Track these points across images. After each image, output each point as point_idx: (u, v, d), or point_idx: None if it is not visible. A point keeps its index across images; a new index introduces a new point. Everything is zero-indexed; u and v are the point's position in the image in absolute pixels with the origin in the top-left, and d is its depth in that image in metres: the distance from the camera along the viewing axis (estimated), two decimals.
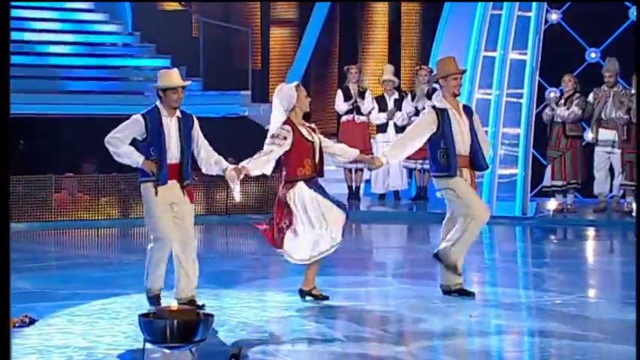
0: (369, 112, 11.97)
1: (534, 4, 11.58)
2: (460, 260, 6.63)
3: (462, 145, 6.59)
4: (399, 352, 5.32)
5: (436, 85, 11.53)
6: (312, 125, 6.64)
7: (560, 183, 11.06)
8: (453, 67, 6.67)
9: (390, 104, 11.92)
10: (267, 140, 6.41)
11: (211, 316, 4.74)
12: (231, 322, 6.02)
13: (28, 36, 13.55)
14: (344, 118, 12.06)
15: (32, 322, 5.81)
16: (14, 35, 12.60)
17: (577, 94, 11.00)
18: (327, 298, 6.55)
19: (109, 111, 12.38)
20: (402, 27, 14.98)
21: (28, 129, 11.72)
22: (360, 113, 11.91)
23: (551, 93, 11.22)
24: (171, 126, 6.31)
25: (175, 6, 14.69)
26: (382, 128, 12.06)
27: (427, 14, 14.47)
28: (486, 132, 8.65)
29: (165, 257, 6.27)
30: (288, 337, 5.84)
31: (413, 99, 11.85)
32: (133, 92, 13.11)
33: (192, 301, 6.24)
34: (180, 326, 4.56)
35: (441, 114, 6.58)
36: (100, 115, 12.22)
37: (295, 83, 6.65)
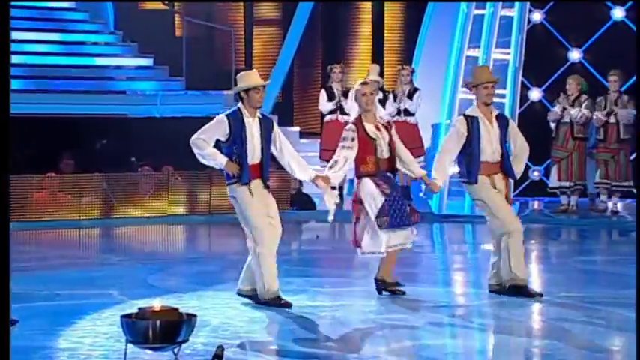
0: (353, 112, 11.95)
1: (517, 3, 11.61)
2: (524, 274, 6.67)
3: (491, 153, 6.67)
4: (382, 352, 5.31)
5: (418, 86, 11.59)
6: (385, 122, 6.75)
7: (567, 184, 11.10)
8: (484, 77, 6.78)
9: None
10: (340, 144, 6.60)
11: (194, 316, 4.71)
12: (214, 322, 5.99)
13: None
14: (327, 118, 12.03)
15: (13, 323, 5.75)
16: None
17: (584, 96, 11.02)
18: (404, 293, 6.64)
19: (90, 111, 12.31)
20: (386, 27, 14.98)
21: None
22: (343, 113, 11.89)
23: (562, 94, 11.19)
24: (253, 126, 6.40)
25: (158, 5, 14.62)
26: None
27: (410, 14, 14.48)
28: None
29: (273, 254, 6.31)
30: (271, 337, 5.81)
31: (395, 99, 11.85)
32: (115, 92, 13.04)
33: (277, 297, 6.33)
34: (162, 327, 4.53)
35: (471, 122, 6.70)
36: (82, 114, 12.16)
37: (360, 81, 6.86)
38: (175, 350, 4.63)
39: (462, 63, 11.60)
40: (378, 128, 6.62)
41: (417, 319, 6.14)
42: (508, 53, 11.49)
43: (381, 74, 12.26)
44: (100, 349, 5.32)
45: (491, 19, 11.56)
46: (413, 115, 11.51)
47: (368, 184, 6.55)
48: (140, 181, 11.09)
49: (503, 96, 11.36)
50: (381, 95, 12.03)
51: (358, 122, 6.64)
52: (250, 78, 6.50)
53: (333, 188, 6.63)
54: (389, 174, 6.63)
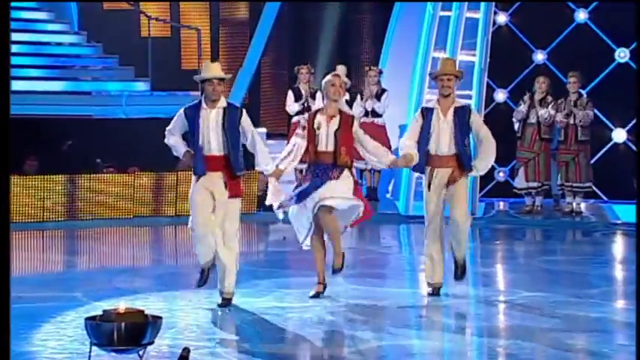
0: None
1: (482, 5, 11.68)
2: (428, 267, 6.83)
3: (439, 145, 6.67)
4: (348, 353, 5.32)
5: (385, 87, 11.63)
6: (345, 113, 6.67)
7: (535, 184, 11.18)
8: (442, 68, 6.79)
9: None
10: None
11: (160, 318, 4.68)
12: (180, 324, 5.96)
13: None
14: (294, 119, 12.02)
15: None
16: None
17: (550, 97, 11.10)
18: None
19: (55, 111, 12.19)
20: (352, 27, 15.00)
21: None
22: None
23: (528, 92, 11.26)
24: (210, 118, 6.37)
25: (122, 5, 14.51)
26: None
27: (377, 14, 14.52)
28: None
29: (202, 241, 6.37)
30: (238, 339, 5.80)
31: (362, 100, 11.87)
32: (80, 93, 12.92)
33: (227, 299, 6.40)
34: (127, 329, 4.49)
35: (426, 113, 6.75)
36: (47, 115, 12.03)
37: (332, 72, 6.83)
38: (141, 353, 4.60)
39: (428, 64, 11.65)
40: (330, 118, 6.60)
41: (384, 320, 6.16)
42: (474, 55, 11.56)
43: (348, 76, 12.28)
44: (64, 352, 5.26)
45: (457, 20, 11.63)
46: (380, 116, 11.54)
47: (299, 182, 6.65)
48: (105, 182, 11.00)
49: (469, 97, 11.43)
50: (347, 96, 12.08)
51: (313, 112, 6.74)
52: (206, 70, 6.49)
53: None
54: (330, 166, 6.54)
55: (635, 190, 10.54)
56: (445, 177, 6.71)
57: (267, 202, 6.67)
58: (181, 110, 6.49)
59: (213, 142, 6.36)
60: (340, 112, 6.68)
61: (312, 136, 6.58)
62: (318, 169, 6.58)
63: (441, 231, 6.86)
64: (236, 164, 6.38)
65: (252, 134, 6.47)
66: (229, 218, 6.42)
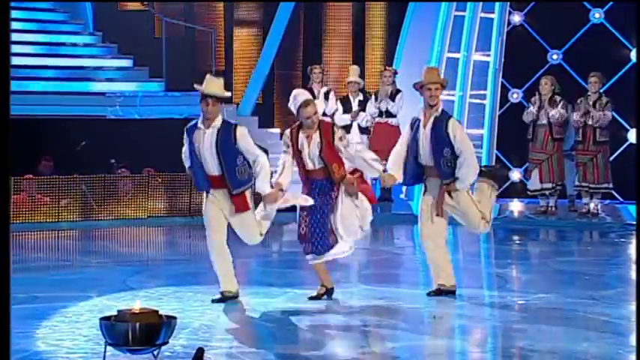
0: (333, 114, 11.96)
1: (497, 5, 11.65)
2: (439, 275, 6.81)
3: (423, 156, 6.67)
4: (363, 354, 5.31)
5: (400, 87, 11.61)
6: (323, 125, 6.48)
7: (549, 186, 11.13)
8: (428, 78, 6.72)
9: (355, 106, 11.91)
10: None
11: (174, 318, 4.68)
12: (195, 324, 5.96)
13: None
14: None
15: None
16: None
17: (557, 97, 11.03)
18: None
19: (69, 112, 12.23)
20: (367, 28, 14.99)
21: None
22: (324, 114, 11.89)
23: (537, 94, 11.22)
24: (205, 138, 6.26)
25: (137, 6, 14.55)
26: (346, 129, 12.02)
27: (392, 15, 14.49)
28: None
29: (216, 256, 6.43)
30: (251, 340, 5.79)
31: (376, 100, 11.86)
32: (94, 93, 12.96)
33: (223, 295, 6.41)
34: (142, 329, 4.50)
35: (413, 123, 6.75)
36: (61, 116, 12.07)
37: (304, 98, 6.42)
38: (155, 353, 4.61)
39: (442, 64, 11.63)
40: (309, 137, 6.41)
41: (398, 321, 6.14)
42: (488, 55, 11.53)
43: (362, 75, 12.27)
44: (79, 351, 5.28)
45: (472, 20, 11.60)
46: (395, 116, 11.53)
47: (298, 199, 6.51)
48: (119, 182, 11.03)
49: (483, 97, 11.40)
50: (361, 97, 12.07)
51: (294, 130, 6.46)
52: (205, 84, 6.25)
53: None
54: (327, 181, 6.47)
55: None
56: (437, 188, 6.65)
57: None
58: (185, 128, 6.44)
59: (209, 163, 6.28)
60: (318, 126, 6.43)
61: (298, 157, 6.46)
62: (314, 184, 6.49)
63: (443, 236, 6.79)
64: (233, 183, 6.26)
65: (251, 154, 6.29)
66: (242, 232, 6.44)
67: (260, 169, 6.31)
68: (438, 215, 6.64)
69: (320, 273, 6.70)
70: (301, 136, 6.45)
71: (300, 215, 6.54)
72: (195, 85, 6.39)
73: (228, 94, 6.47)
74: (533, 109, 11.05)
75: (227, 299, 6.50)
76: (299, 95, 6.46)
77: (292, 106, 6.45)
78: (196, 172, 6.36)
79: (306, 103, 6.38)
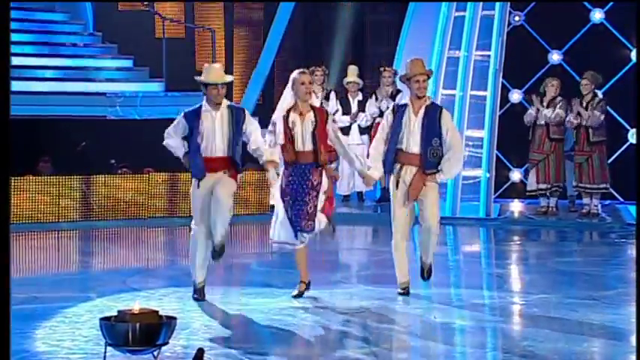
0: (334, 114, 11.96)
1: (497, 5, 11.64)
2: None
3: (408, 143, 6.61)
4: (362, 354, 5.30)
5: (400, 87, 11.59)
6: (318, 109, 6.64)
7: (544, 186, 11.13)
8: (414, 69, 6.68)
9: (354, 106, 11.91)
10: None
11: (174, 318, 4.68)
12: (195, 324, 5.95)
13: None
14: None
15: None
16: None
17: (559, 97, 11.04)
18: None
19: (69, 112, 12.22)
20: (367, 27, 14.98)
21: None
22: None
23: (534, 96, 11.22)
24: (216, 119, 6.44)
25: (137, 6, 14.55)
26: (345, 130, 12.02)
27: (392, 14, 14.49)
28: None
29: (200, 247, 6.51)
30: (252, 340, 5.79)
31: (376, 100, 11.85)
32: (94, 94, 12.95)
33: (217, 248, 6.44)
34: (142, 329, 4.50)
35: (397, 109, 6.70)
36: (61, 116, 12.06)
37: (298, 70, 6.69)
38: (155, 353, 4.60)
39: (443, 64, 11.63)
40: (302, 115, 6.53)
41: (397, 321, 6.14)
42: (488, 55, 11.52)
43: (361, 76, 12.27)
44: (79, 352, 5.27)
45: (472, 20, 11.59)
46: None
47: (280, 180, 6.58)
48: (119, 183, 11.02)
49: (483, 98, 11.40)
50: (360, 97, 12.07)
51: (287, 111, 6.60)
52: (209, 74, 6.48)
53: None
54: (310, 165, 6.52)
55: None
56: (411, 176, 6.61)
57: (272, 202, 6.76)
58: (181, 114, 6.54)
59: (218, 143, 6.43)
60: (312, 107, 6.60)
61: (288, 136, 6.53)
62: (296, 169, 6.53)
63: (407, 233, 6.84)
64: (240, 162, 6.51)
65: (253, 132, 6.54)
66: (223, 183, 6.45)
67: (259, 142, 6.57)
68: (408, 202, 6.62)
69: (301, 265, 6.73)
70: (293, 114, 6.57)
71: (283, 201, 6.57)
72: (198, 78, 6.54)
73: (231, 77, 6.78)
74: (532, 110, 11.05)
75: (202, 291, 6.59)
76: (296, 70, 6.72)
77: (290, 82, 6.62)
78: (195, 158, 6.44)
79: (301, 72, 6.61)
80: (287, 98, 6.61)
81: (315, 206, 6.54)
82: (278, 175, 6.58)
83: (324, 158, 6.55)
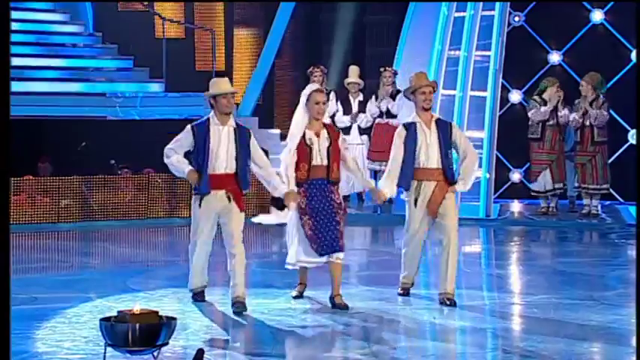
0: (333, 114, 11.95)
1: (497, 5, 11.64)
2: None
3: (427, 158, 6.64)
4: (362, 354, 5.30)
5: (401, 87, 11.59)
6: (331, 127, 6.67)
7: (559, 185, 11.09)
8: (419, 81, 6.72)
9: (355, 106, 11.90)
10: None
11: (174, 319, 4.68)
12: (195, 325, 5.95)
13: None
14: None
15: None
16: None
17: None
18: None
19: (69, 112, 12.21)
20: (367, 27, 14.98)
21: None
22: None
23: (537, 97, 11.16)
24: (222, 135, 6.41)
25: (137, 6, 14.54)
26: (346, 130, 12.03)
27: (392, 14, 14.49)
28: None
29: (200, 256, 6.53)
30: (252, 341, 5.79)
31: (377, 100, 11.84)
32: (94, 94, 12.95)
33: (239, 302, 6.32)
34: (142, 330, 4.50)
35: (409, 128, 6.69)
36: (61, 116, 12.05)
37: (315, 87, 6.68)
38: (155, 354, 4.60)
39: (443, 65, 11.62)
40: (317, 134, 6.54)
41: (398, 322, 6.14)
42: (488, 55, 11.52)
43: (362, 76, 12.27)
44: (79, 352, 5.27)
45: (472, 21, 11.60)
46: (395, 117, 11.52)
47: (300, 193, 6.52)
48: (119, 183, 11.02)
49: (483, 98, 11.39)
50: (361, 97, 12.07)
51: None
52: (219, 85, 6.52)
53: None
54: (324, 182, 6.51)
55: None
56: (430, 191, 6.63)
57: (257, 220, 6.77)
58: (189, 127, 6.48)
59: (222, 160, 6.37)
60: (324, 125, 6.62)
61: (306, 154, 6.49)
62: (313, 186, 6.50)
63: (420, 249, 6.84)
64: (244, 180, 6.43)
65: (259, 158, 6.50)
66: (234, 220, 6.41)
67: (274, 173, 6.53)
68: (429, 216, 6.63)
69: (303, 272, 6.73)
70: (308, 132, 6.55)
71: (302, 220, 6.52)
72: (209, 93, 6.51)
73: (237, 90, 6.76)
74: (545, 108, 10.95)
75: (201, 294, 6.63)
76: (311, 86, 6.74)
77: (304, 96, 6.60)
78: (202, 171, 6.39)
79: (318, 91, 6.60)
80: (300, 112, 6.59)
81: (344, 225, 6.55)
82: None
83: (336, 176, 6.55)
